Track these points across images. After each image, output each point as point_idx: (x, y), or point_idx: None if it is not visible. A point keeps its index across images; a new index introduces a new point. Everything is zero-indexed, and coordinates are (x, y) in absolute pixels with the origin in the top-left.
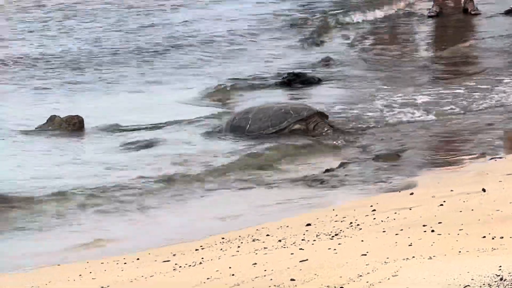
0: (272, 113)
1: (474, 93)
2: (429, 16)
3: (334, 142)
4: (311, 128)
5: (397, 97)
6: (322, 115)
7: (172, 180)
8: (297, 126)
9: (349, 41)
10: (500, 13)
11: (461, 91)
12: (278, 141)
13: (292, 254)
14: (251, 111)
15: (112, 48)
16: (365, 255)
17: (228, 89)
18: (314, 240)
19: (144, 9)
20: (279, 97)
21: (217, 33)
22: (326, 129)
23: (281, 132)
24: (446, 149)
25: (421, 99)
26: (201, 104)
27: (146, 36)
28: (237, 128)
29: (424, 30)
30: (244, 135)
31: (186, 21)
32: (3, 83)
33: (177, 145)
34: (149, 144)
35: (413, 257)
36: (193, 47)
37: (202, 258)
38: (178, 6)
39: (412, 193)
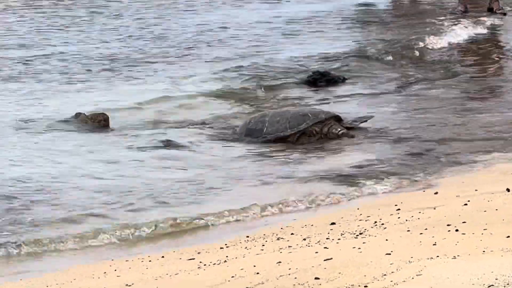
0: (290, 116)
1: None
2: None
3: (354, 139)
4: (326, 131)
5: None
6: (338, 119)
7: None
8: (314, 128)
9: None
10: None
11: None
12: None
13: (316, 252)
14: (267, 115)
15: (139, 48)
16: (390, 254)
17: (252, 87)
18: (339, 239)
19: (173, 8)
20: (303, 95)
21: (241, 31)
22: (340, 129)
23: (299, 134)
24: (472, 148)
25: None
26: (224, 102)
27: (172, 32)
28: (254, 131)
29: None
30: (261, 137)
31: (209, 21)
32: (26, 80)
33: (198, 147)
34: (172, 144)
35: (437, 256)
36: (215, 45)
37: (227, 257)
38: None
39: (436, 192)
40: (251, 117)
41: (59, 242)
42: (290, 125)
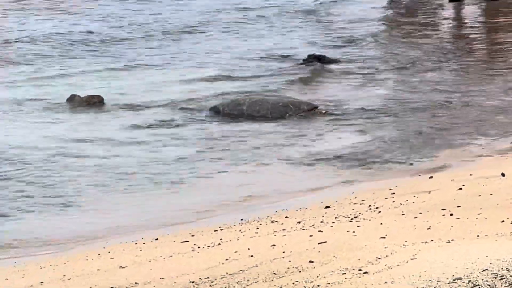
0: (271, 107)
1: None
2: (450, 0)
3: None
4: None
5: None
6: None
7: (186, 160)
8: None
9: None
10: None
11: None
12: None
13: (311, 236)
14: (243, 103)
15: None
16: (384, 238)
17: (249, 69)
18: (333, 223)
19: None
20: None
21: (242, 15)
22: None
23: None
24: (466, 132)
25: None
26: (218, 83)
27: (173, 15)
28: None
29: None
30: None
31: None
32: (26, 63)
33: (191, 125)
34: (165, 123)
35: (432, 240)
36: (214, 28)
37: (221, 239)
38: None
39: (431, 177)
40: (224, 104)
41: None
42: (273, 116)
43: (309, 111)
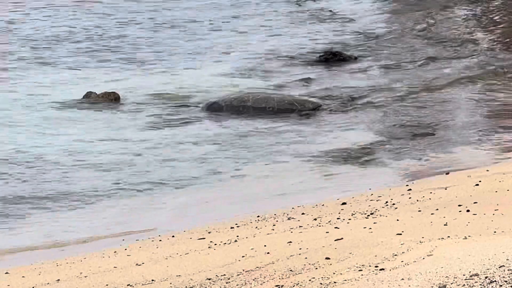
0: (277, 104)
1: None
2: None
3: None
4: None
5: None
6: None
7: (203, 157)
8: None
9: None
10: None
11: None
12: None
13: (327, 232)
14: (247, 100)
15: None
16: (400, 234)
17: (265, 65)
18: (350, 219)
19: None
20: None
21: (259, 11)
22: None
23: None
24: (483, 128)
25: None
26: (232, 79)
27: (184, 12)
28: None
29: None
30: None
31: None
32: (42, 60)
33: (206, 123)
34: (180, 120)
35: (448, 237)
36: (228, 25)
37: (237, 236)
38: None
39: (448, 173)
40: (225, 99)
41: None
42: (278, 113)
43: (314, 110)
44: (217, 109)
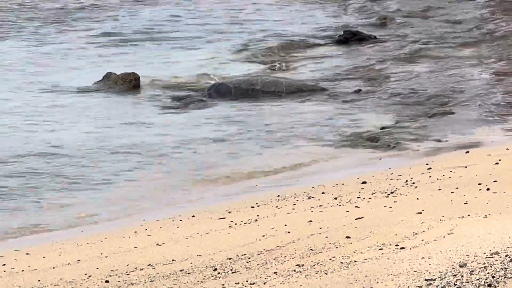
0: (286, 88)
1: None
2: None
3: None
4: None
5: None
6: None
7: (220, 140)
8: None
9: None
10: None
11: None
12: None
13: (347, 211)
14: (256, 83)
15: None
16: (421, 213)
17: (285, 46)
18: (370, 198)
19: None
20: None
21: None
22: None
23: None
24: (502, 107)
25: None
26: (255, 62)
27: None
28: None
29: None
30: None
31: None
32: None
33: (221, 106)
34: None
35: (469, 215)
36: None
37: (258, 216)
38: None
39: (467, 151)
40: (234, 82)
41: None
42: (288, 96)
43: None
44: (225, 91)
